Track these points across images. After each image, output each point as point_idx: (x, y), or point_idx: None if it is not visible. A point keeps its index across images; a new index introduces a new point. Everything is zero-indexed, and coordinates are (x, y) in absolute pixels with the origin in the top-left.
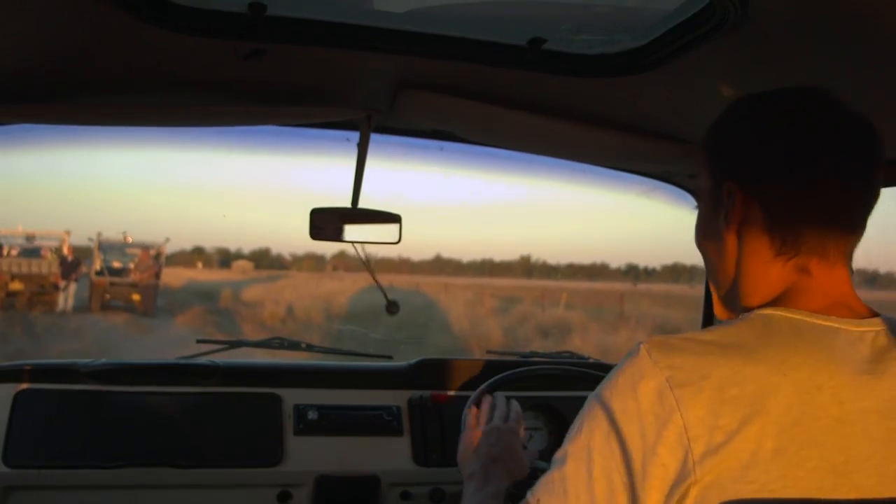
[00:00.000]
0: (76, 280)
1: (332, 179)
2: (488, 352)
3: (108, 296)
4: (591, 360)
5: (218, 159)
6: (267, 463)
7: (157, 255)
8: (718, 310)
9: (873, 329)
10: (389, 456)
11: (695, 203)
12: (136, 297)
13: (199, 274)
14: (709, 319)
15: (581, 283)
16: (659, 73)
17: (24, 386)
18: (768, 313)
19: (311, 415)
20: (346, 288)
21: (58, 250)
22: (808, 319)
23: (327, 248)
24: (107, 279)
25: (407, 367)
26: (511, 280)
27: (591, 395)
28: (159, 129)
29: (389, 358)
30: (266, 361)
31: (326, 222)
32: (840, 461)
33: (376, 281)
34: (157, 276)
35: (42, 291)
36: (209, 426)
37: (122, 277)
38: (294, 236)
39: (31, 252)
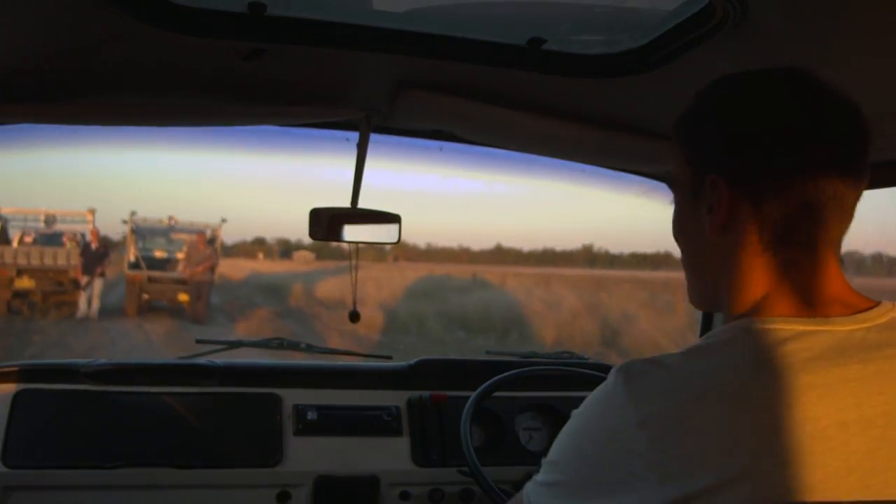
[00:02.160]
0: (102, 275)
1: (331, 179)
2: (487, 352)
3: (145, 295)
4: (590, 361)
5: (217, 158)
6: (266, 463)
7: (212, 240)
8: (698, 305)
9: (864, 325)
10: (389, 456)
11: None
12: (182, 297)
13: (261, 265)
14: (709, 318)
15: (654, 274)
16: (659, 73)
17: (24, 386)
18: (749, 328)
19: (311, 415)
20: (443, 283)
21: (83, 237)
22: (786, 328)
23: None
24: (143, 273)
25: (406, 367)
26: (581, 270)
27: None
28: (159, 128)
29: (389, 358)
30: (266, 361)
31: (326, 222)
32: (818, 479)
33: (354, 286)
34: (213, 269)
35: (58, 290)
36: (209, 426)
37: (165, 271)
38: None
39: (50, 238)
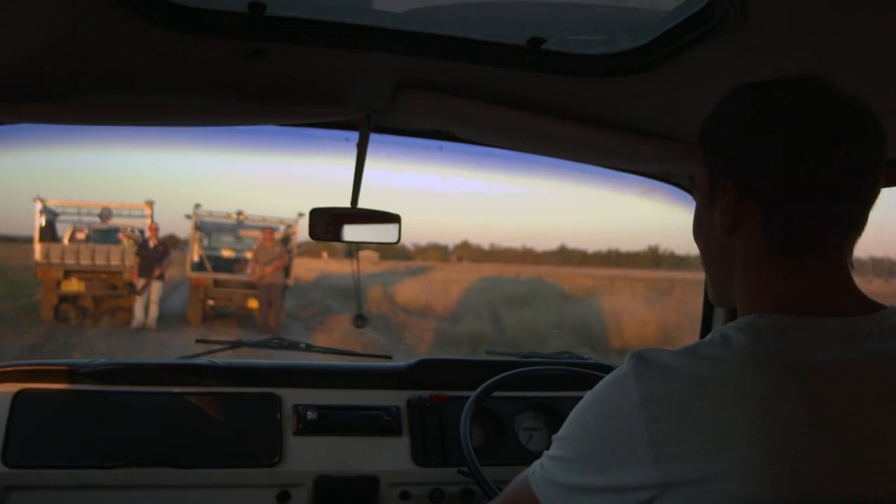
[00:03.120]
0: (160, 277)
1: (331, 179)
2: (487, 352)
3: (210, 301)
4: (590, 361)
5: (216, 158)
6: (266, 463)
7: (286, 239)
8: (716, 303)
9: (867, 326)
10: (389, 456)
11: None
12: (252, 303)
13: (328, 265)
14: (709, 315)
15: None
16: (659, 73)
17: (24, 386)
18: (755, 323)
19: (311, 415)
20: (538, 288)
21: (140, 233)
22: (790, 324)
23: (449, 236)
24: (209, 276)
25: (406, 367)
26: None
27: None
28: (159, 128)
29: (389, 358)
30: (266, 361)
31: (326, 222)
32: (810, 472)
33: (356, 289)
34: (287, 271)
35: (112, 295)
36: (209, 426)
37: (234, 274)
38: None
39: (105, 235)
